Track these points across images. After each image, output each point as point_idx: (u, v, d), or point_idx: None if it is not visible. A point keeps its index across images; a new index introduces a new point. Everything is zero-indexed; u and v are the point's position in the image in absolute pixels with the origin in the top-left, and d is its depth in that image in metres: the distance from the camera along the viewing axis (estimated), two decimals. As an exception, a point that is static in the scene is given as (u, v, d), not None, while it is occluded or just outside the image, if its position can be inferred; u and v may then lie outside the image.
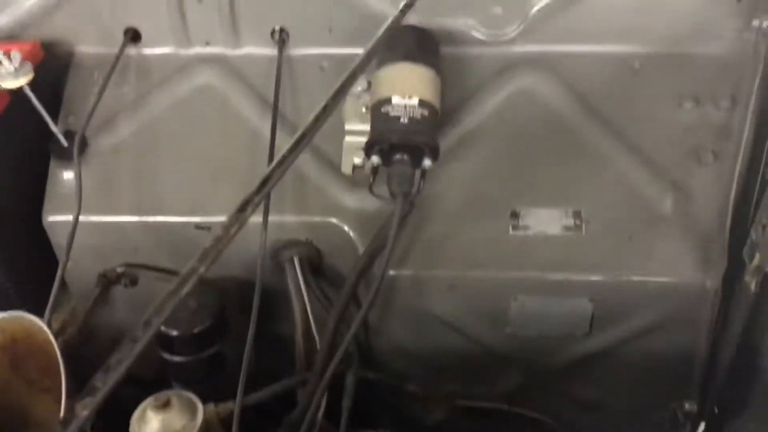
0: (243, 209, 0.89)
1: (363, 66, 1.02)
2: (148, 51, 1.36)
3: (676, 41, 1.30)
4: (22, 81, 1.17)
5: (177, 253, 1.28)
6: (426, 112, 1.14)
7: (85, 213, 1.23)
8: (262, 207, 1.21)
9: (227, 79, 1.34)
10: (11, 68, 1.16)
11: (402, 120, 1.13)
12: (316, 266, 1.28)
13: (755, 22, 1.22)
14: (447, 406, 1.38)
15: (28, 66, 1.18)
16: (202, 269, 0.83)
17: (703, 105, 1.27)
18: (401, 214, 1.12)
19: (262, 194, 0.90)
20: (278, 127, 1.26)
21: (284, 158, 0.94)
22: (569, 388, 1.35)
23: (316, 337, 1.23)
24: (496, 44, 1.31)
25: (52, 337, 0.71)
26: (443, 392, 1.36)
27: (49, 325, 1.08)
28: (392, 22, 1.03)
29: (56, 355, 0.71)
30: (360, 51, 1.31)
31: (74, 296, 1.35)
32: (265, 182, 0.91)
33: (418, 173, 1.15)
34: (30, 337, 0.73)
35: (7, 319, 0.72)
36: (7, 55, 1.16)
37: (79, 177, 1.19)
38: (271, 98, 1.31)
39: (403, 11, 1.04)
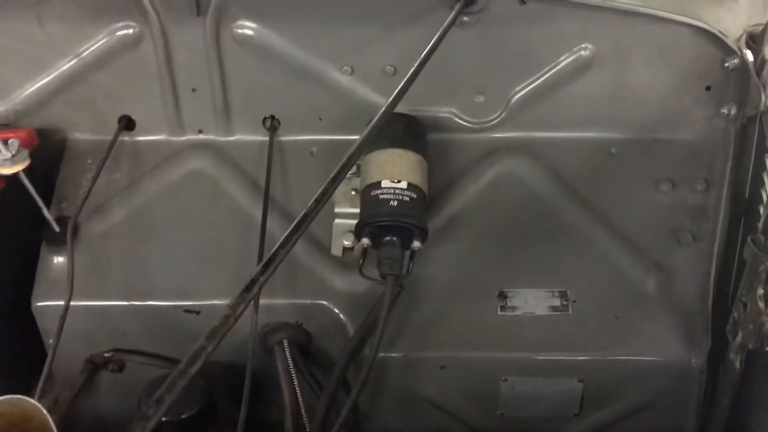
0: (249, 288, 0.91)
1: (359, 152, 1.05)
2: (141, 138, 1.40)
3: (649, 127, 1.36)
4: (18, 167, 1.19)
5: (165, 338, 1.28)
6: (414, 195, 1.18)
7: (75, 298, 1.23)
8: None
9: (219, 165, 1.38)
10: (8, 155, 1.18)
11: (391, 203, 1.16)
12: (305, 349, 1.28)
13: (724, 110, 1.29)
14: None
15: (25, 153, 1.20)
16: (210, 348, 0.83)
17: (679, 187, 1.32)
18: (391, 295, 1.14)
19: (267, 274, 0.92)
20: (269, 210, 1.29)
21: (288, 239, 0.96)
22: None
23: (306, 423, 1.22)
24: (480, 130, 1.37)
25: (51, 422, 0.71)
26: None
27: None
28: (384, 112, 1.07)
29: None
30: (348, 137, 1.38)
31: (58, 382, 1.33)
32: (269, 261, 0.92)
33: (407, 255, 1.18)
34: (27, 421, 0.72)
35: (5, 402, 0.71)
36: (5, 142, 1.18)
37: (71, 263, 1.20)
38: (262, 182, 1.35)
39: (394, 102, 1.08)
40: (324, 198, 1.01)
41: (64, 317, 1.14)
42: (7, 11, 1.26)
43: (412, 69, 1.08)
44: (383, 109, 1.07)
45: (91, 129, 1.39)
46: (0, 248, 1.23)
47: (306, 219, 0.97)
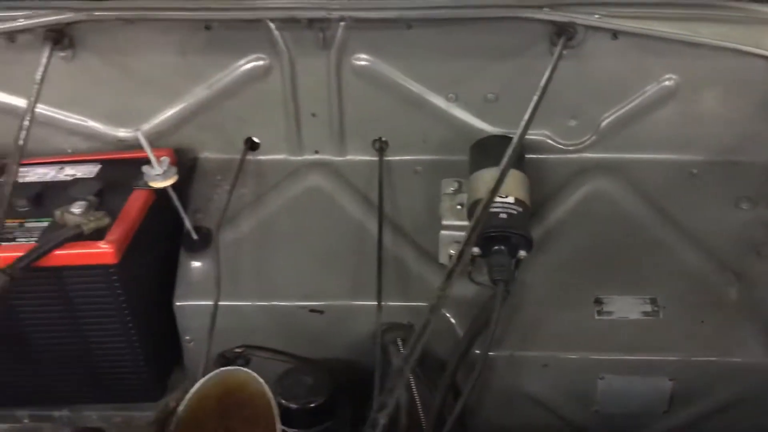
0: (449, 276, 1.08)
1: (503, 178, 1.20)
2: (263, 157, 1.56)
3: (728, 150, 1.49)
4: (168, 182, 1.35)
5: (290, 335, 1.41)
6: (521, 209, 1.31)
7: (210, 298, 1.38)
8: (370, 293, 1.37)
9: (334, 182, 1.53)
10: (160, 171, 1.34)
11: (501, 215, 1.29)
12: (414, 350, 1.42)
13: (799, 132, 1.41)
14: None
15: (174, 170, 1.35)
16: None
17: (759, 205, 1.44)
18: (501, 299, 1.26)
19: (461, 265, 1.09)
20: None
21: (468, 240, 1.11)
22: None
23: (421, 415, 1.34)
24: (571, 152, 1.51)
25: (267, 389, 0.83)
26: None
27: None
28: (518, 139, 1.21)
29: (265, 406, 0.83)
30: (450, 158, 1.53)
31: (189, 375, 1.47)
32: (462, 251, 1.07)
33: (513, 263, 1.31)
34: (242, 390, 0.85)
35: (228, 373, 0.84)
36: (158, 159, 1.34)
37: (218, 268, 1.35)
38: (372, 197, 1.49)
39: (525, 129, 1.22)
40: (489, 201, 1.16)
41: (215, 315, 1.29)
42: (155, 44, 1.44)
43: (534, 99, 1.22)
44: (517, 136, 1.20)
45: (219, 149, 1.56)
46: (148, 254, 1.38)
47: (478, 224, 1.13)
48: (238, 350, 1.43)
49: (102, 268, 1.23)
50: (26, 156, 1.49)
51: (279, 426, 0.81)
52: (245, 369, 0.85)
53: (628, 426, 1.39)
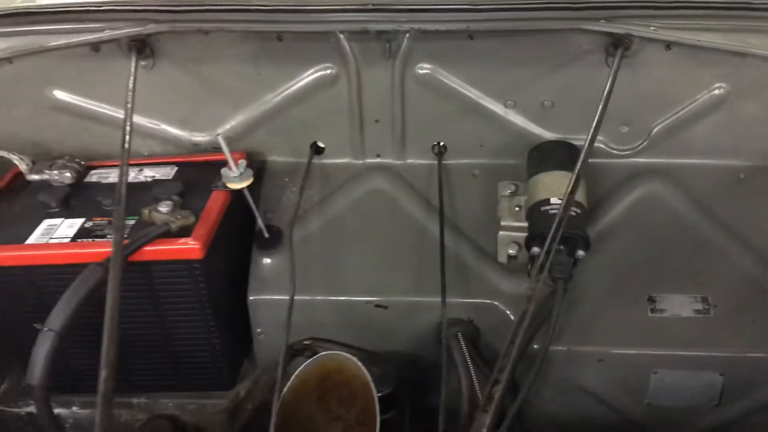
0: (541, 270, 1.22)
1: (578, 184, 1.28)
2: (327, 161, 1.64)
3: (775, 156, 1.55)
4: (245, 184, 1.44)
5: (356, 329, 1.49)
6: (579, 211, 1.38)
7: (282, 293, 1.46)
8: (431, 290, 1.44)
9: (395, 184, 1.61)
10: (237, 173, 1.43)
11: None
12: (474, 343, 1.49)
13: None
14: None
15: (250, 172, 1.44)
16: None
17: (804, 209, 1.50)
18: (560, 296, 1.33)
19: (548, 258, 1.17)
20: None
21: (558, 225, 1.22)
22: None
23: (482, 402, 1.41)
24: (623, 156, 1.58)
25: (365, 372, 0.91)
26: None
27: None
28: (589, 143, 1.27)
29: (361, 387, 0.90)
30: (506, 161, 1.60)
31: (259, 365, 1.56)
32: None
33: (571, 262, 1.38)
34: (340, 373, 0.93)
35: (327, 357, 0.92)
36: (236, 162, 1.43)
37: (292, 265, 1.43)
38: (432, 199, 1.57)
39: (593, 138, 1.28)
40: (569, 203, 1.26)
41: (291, 308, 1.36)
42: (229, 54, 1.53)
43: (600, 108, 1.28)
44: (586, 144, 1.27)
45: (286, 153, 1.65)
46: (225, 251, 1.47)
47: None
48: (306, 342, 1.51)
49: (188, 263, 1.32)
50: (107, 158, 1.61)
51: (377, 405, 0.88)
52: (344, 353, 0.92)
53: (679, 419, 1.45)
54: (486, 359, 1.48)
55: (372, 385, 0.90)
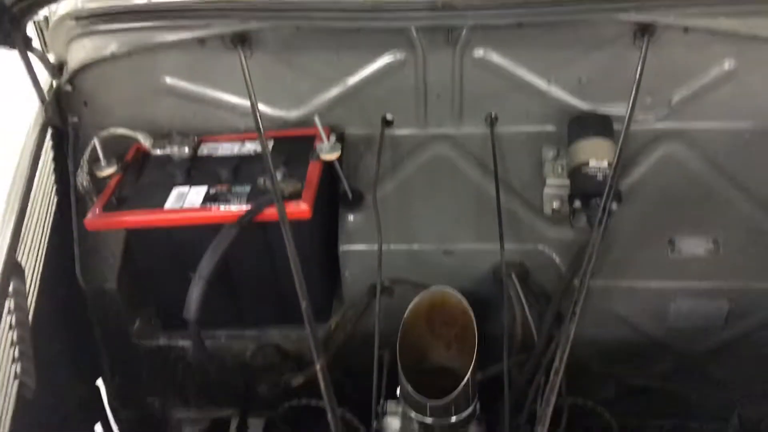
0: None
1: (620, 155, 1.56)
2: (396, 132, 1.93)
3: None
4: (335, 155, 1.74)
5: (426, 272, 1.80)
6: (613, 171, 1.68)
7: (364, 244, 1.78)
8: (490, 238, 1.75)
9: (454, 150, 1.90)
10: (328, 146, 1.73)
11: (597, 177, 1.67)
12: (524, 281, 1.81)
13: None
14: (616, 384, 1.87)
15: (338, 145, 1.74)
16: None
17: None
18: (599, 241, 1.64)
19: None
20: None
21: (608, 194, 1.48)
22: (707, 370, 1.84)
23: (534, 332, 1.74)
24: (648, 123, 1.86)
25: (463, 300, 1.22)
26: (614, 372, 1.85)
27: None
28: (628, 119, 1.54)
29: (460, 313, 1.22)
30: (549, 129, 1.89)
31: (346, 303, 1.88)
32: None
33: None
34: (443, 303, 1.23)
35: (435, 291, 1.23)
36: (327, 136, 1.73)
37: (378, 220, 1.74)
38: (486, 162, 1.87)
39: (631, 112, 1.55)
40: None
41: (380, 254, 1.68)
42: (316, 44, 1.80)
43: (634, 86, 1.57)
44: (627, 116, 1.56)
45: (361, 126, 1.93)
46: (321, 211, 1.77)
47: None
48: (386, 283, 1.83)
49: (299, 222, 1.63)
50: (210, 133, 1.91)
51: (474, 323, 1.19)
52: (447, 287, 1.22)
53: (692, 338, 1.78)
54: (535, 294, 1.81)
55: (470, 309, 1.21)
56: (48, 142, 1.81)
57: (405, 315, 1.22)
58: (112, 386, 1.98)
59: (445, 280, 1.81)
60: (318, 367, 1.02)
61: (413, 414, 1.23)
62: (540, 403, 1.69)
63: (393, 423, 1.31)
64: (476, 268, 1.81)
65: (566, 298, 1.74)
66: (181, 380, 1.97)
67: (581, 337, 1.80)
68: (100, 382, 1.99)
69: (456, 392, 1.17)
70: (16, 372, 1.48)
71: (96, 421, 1.96)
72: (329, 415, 1.05)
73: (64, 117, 1.88)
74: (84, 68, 1.83)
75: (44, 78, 1.85)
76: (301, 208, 1.62)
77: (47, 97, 1.82)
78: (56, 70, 1.86)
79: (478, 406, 1.30)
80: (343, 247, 1.81)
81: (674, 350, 1.82)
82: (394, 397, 1.41)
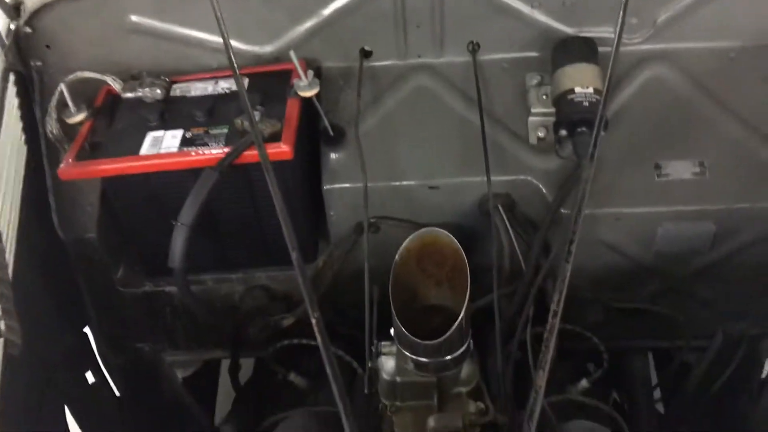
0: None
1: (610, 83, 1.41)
2: (375, 63, 1.87)
3: (761, 35, 1.80)
4: (314, 91, 1.68)
5: (412, 208, 1.79)
6: (598, 97, 1.64)
7: (351, 181, 1.75)
8: (475, 170, 1.72)
9: (435, 81, 1.85)
10: (306, 82, 1.67)
11: (584, 103, 1.64)
12: (511, 212, 1.79)
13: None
14: (604, 309, 1.90)
15: (317, 81, 1.68)
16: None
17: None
18: (588, 171, 1.62)
19: None
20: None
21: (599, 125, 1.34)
22: (694, 290, 1.87)
23: (522, 261, 1.74)
24: (632, 45, 1.81)
25: (454, 240, 1.20)
26: (602, 297, 1.87)
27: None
28: (617, 43, 1.45)
29: (451, 254, 1.21)
30: (532, 54, 1.83)
31: (332, 242, 1.86)
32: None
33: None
34: (434, 243, 1.22)
35: (424, 232, 1.21)
36: (305, 71, 1.66)
37: (361, 157, 1.70)
38: (469, 92, 1.82)
39: (619, 37, 1.44)
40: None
41: (365, 191, 1.65)
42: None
43: (620, 16, 1.50)
44: (614, 43, 1.47)
45: (339, 59, 1.87)
46: (302, 150, 1.72)
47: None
48: (372, 220, 1.82)
49: (281, 164, 1.59)
50: (180, 73, 1.83)
51: (466, 263, 1.18)
52: (437, 228, 1.20)
53: (679, 261, 1.80)
54: (521, 224, 1.80)
55: (461, 249, 1.20)
56: (12, 89, 1.73)
57: (396, 257, 1.21)
58: (100, 333, 1.97)
59: (431, 215, 1.81)
60: (314, 321, 1.01)
61: (407, 354, 1.24)
62: (528, 333, 1.73)
63: (388, 363, 1.32)
64: (462, 202, 1.79)
65: (553, 228, 1.74)
66: (170, 325, 1.96)
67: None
68: (87, 330, 1.98)
69: (450, 332, 1.17)
70: (0, 330, 1.45)
71: (86, 369, 1.96)
72: (328, 370, 1.04)
73: (27, 62, 1.79)
74: (43, 8, 1.72)
75: (1, 21, 1.75)
76: (282, 150, 1.57)
77: (6, 41, 1.73)
78: (13, 11, 1.76)
79: (471, 343, 1.30)
80: (327, 186, 1.78)
81: (661, 273, 1.83)
82: (385, 334, 1.41)
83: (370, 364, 1.38)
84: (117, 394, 2.05)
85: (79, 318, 1.91)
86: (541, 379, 0.96)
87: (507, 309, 1.76)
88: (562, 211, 1.72)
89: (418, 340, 1.18)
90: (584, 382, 1.80)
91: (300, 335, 1.84)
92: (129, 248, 1.86)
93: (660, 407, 2.21)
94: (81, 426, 1.84)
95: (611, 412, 1.74)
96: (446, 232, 1.20)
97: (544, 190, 1.75)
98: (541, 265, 1.72)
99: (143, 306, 1.90)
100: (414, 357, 1.22)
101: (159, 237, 1.62)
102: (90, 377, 1.98)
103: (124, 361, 2.02)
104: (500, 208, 1.75)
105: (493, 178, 1.72)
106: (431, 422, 1.25)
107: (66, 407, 1.79)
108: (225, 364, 2.09)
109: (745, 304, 1.87)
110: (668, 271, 1.82)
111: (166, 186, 1.63)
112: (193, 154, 1.57)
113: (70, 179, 1.66)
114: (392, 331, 1.24)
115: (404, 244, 1.21)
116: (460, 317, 1.18)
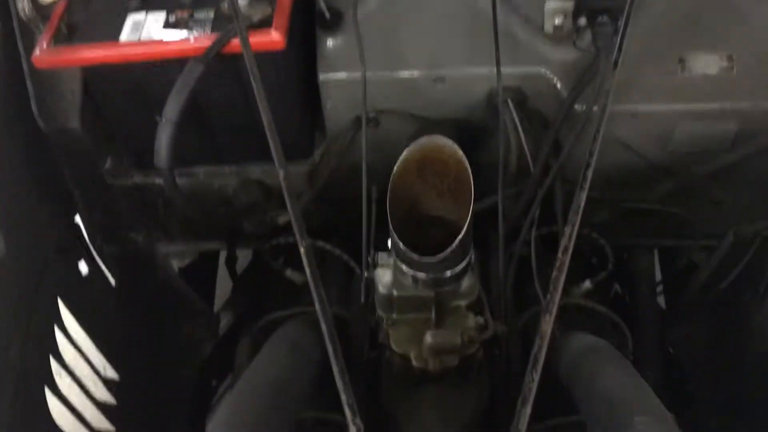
0: None
1: None
2: None
3: None
4: (308, -30, 1.52)
5: (415, 100, 1.67)
6: (623, -15, 1.49)
7: (349, 70, 1.62)
8: (484, 61, 1.59)
9: None
10: (299, -39, 1.51)
11: (606, -9, 1.48)
12: (521, 107, 1.67)
13: None
14: (611, 208, 1.82)
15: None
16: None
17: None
18: (605, 63, 1.49)
19: None
20: None
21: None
22: (707, 191, 1.78)
23: (530, 159, 1.65)
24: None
25: (458, 150, 1.11)
26: (611, 197, 1.80)
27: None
28: None
29: (455, 164, 1.12)
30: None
31: (329, 136, 1.76)
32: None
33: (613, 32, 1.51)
34: (437, 152, 1.13)
35: (427, 140, 1.11)
36: (296, -49, 1.50)
37: (360, 44, 1.57)
38: None
39: None
40: None
41: (364, 81, 1.53)
42: None
43: None
44: None
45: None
46: (296, 36, 1.58)
47: None
48: (371, 114, 1.70)
49: (272, 53, 1.46)
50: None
51: (469, 174, 1.09)
52: (441, 136, 1.11)
53: (697, 160, 1.70)
54: (532, 121, 1.69)
55: (465, 160, 1.10)
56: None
57: (395, 166, 1.12)
58: (90, 222, 1.91)
59: (435, 108, 1.69)
60: (302, 251, 0.93)
61: (405, 268, 1.18)
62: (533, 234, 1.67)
63: (384, 276, 1.26)
64: (469, 95, 1.67)
65: (566, 126, 1.63)
66: (163, 216, 1.90)
67: (577, 163, 1.73)
68: (78, 220, 1.92)
69: (450, 249, 1.10)
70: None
71: (79, 260, 1.92)
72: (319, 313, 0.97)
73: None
74: None
75: None
76: (273, 38, 1.44)
77: None
78: None
79: (473, 256, 1.24)
80: (323, 76, 1.65)
81: (674, 174, 1.74)
82: (385, 233, 1.35)
83: (366, 274, 1.33)
84: (112, 283, 2.03)
85: (69, 210, 1.85)
86: (547, 323, 0.90)
87: (512, 210, 1.69)
88: (576, 107, 1.61)
89: (417, 256, 1.11)
90: (587, 284, 1.76)
91: (296, 232, 1.78)
92: (116, 139, 1.76)
93: (662, 303, 2.20)
94: (77, 317, 1.83)
95: (613, 316, 1.71)
96: (450, 141, 1.11)
97: (558, 85, 1.62)
98: (551, 165, 1.64)
99: (134, 198, 1.83)
100: (412, 272, 1.16)
101: (145, 130, 1.52)
102: (84, 268, 1.96)
103: (117, 251, 1.98)
104: (510, 102, 1.64)
105: (503, 70, 1.59)
106: (428, 339, 1.21)
107: (59, 300, 1.77)
108: (224, 255, 2.06)
109: (759, 206, 1.80)
110: (682, 172, 1.73)
111: (150, 75, 1.50)
112: (177, 41, 1.44)
113: (46, 67, 1.53)
114: (389, 242, 1.18)
115: (404, 153, 1.12)
116: (461, 233, 1.11)
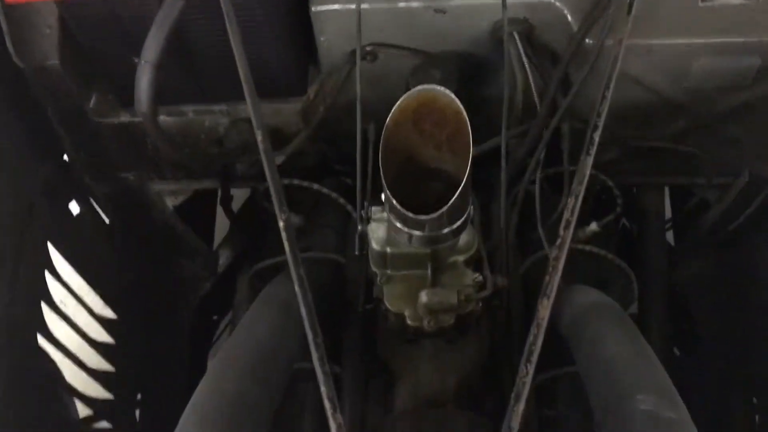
0: None
1: None
2: None
3: None
4: None
5: (414, 35, 1.56)
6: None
7: (341, 2, 1.51)
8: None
9: None
10: None
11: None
12: (527, 42, 1.56)
13: None
14: (620, 146, 1.74)
15: None
16: None
17: None
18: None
19: None
20: None
21: None
22: (722, 129, 1.69)
23: (536, 97, 1.55)
24: None
25: (455, 99, 1.03)
26: (618, 135, 1.70)
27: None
28: None
29: (453, 114, 1.03)
30: None
31: (323, 71, 1.67)
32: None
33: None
34: (433, 102, 1.05)
35: (424, 89, 1.03)
36: None
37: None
38: None
39: None
40: None
41: (358, 17, 1.42)
42: None
43: None
44: None
45: None
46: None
47: None
48: (367, 48, 1.60)
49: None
50: None
51: (468, 125, 1.01)
52: (438, 86, 1.02)
53: (714, 97, 1.59)
54: (539, 55, 1.58)
55: (463, 110, 1.02)
56: None
57: (389, 116, 1.04)
58: (79, 161, 1.84)
59: (435, 41, 1.58)
60: (282, 225, 0.87)
61: (399, 224, 1.11)
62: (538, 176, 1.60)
63: (378, 231, 1.20)
64: (472, 27, 1.55)
65: (576, 61, 1.53)
66: (153, 156, 1.83)
67: (587, 99, 1.63)
68: (66, 159, 1.85)
69: (447, 206, 1.04)
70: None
71: (69, 200, 1.86)
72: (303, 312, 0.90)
73: None
74: None
75: None
76: (258, -31, 1.33)
77: None
78: None
79: (472, 210, 1.17)
80: (316, 8, 1.54)
81: (690, 111, 1.64)
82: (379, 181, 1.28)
83: (360, 228, 1.27)
84: (106, 221, 1.99)
85: (55, 150, 1.78)
86: (545, 308, 0.84)
87: (517, 151, 1.61)
88: (587, 41, 1.50)
89: (412, 215, 1.05)
90: (593, 226, 1.70)
91: (291, 173, 1.71)
92: (99, 77, 1.67)
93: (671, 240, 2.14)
94: (67, 259, 1.79)
95: (620, 262, 1.65)
96: (447, 92, 1.02)
97: (569, 17, 1.51)
98: (558, 104, 1.54)
99: (122, 137, 1.75)
100: (406, 229, 1.10)
101: (127, 67, 1.43)
102: (74, 206, 1.90)
103: (109, 190, 1.92)
104: (516, 35, 1.53)
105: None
106: (423, 298, 1.16)
107: (49, 243, 1.73)
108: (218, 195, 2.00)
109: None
110: (698, 109, 1.63)
111: (128, 8, 1.40)
112: (154, -26, 1.33)
113: (17, 2, 1.43)
114: (383, 197, 1.11)
115: (397, 104, 1.03)
116: (460, 187, 1.04)
